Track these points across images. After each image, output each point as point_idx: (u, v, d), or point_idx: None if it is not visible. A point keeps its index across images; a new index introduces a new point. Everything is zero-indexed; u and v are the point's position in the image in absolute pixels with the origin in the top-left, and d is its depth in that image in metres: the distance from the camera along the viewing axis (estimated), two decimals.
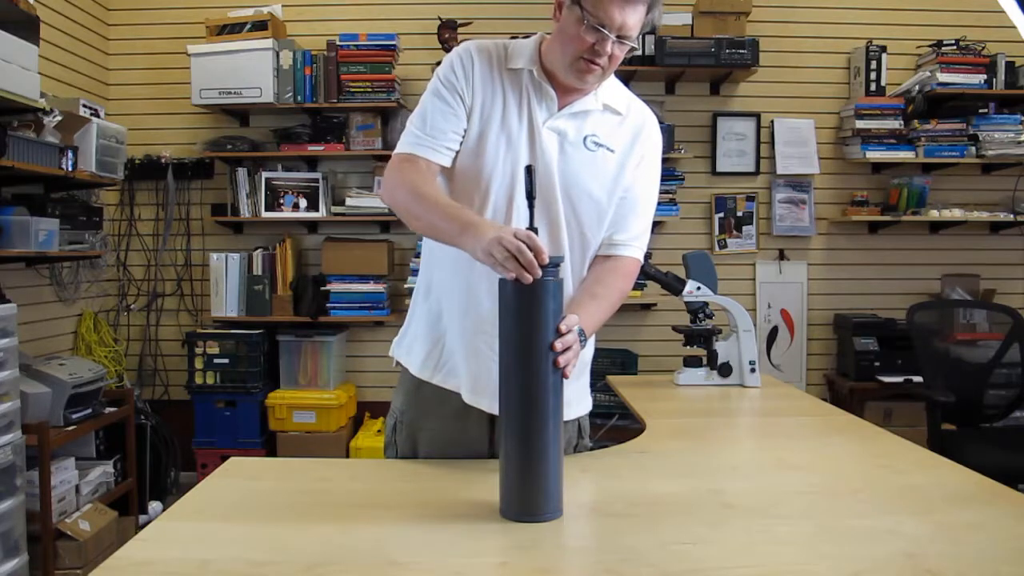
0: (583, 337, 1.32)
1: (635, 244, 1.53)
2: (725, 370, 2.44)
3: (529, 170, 1.27)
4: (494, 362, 1.41)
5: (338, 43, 3.72)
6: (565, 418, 1.54)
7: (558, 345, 1.20)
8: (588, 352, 1.53)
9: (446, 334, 1.50)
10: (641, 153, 1.52)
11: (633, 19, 1.35)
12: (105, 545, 2.89)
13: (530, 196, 1.26)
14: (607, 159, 1.49)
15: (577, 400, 1.58)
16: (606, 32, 1.34)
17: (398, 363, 1.60)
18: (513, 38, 1.57)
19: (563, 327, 1.21)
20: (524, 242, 1.18)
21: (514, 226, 1.41)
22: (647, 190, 1.55)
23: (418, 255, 3.73)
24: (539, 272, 1.18)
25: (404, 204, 1.42)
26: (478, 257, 1.25)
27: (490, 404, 1.44)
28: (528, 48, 1.48)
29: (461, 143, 1.45)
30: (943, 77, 3.72)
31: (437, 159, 1.44)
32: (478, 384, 1.46)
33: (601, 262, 1.52)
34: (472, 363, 1.47)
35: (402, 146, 1.46)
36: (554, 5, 1.42)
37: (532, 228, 1.24)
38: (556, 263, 1.22)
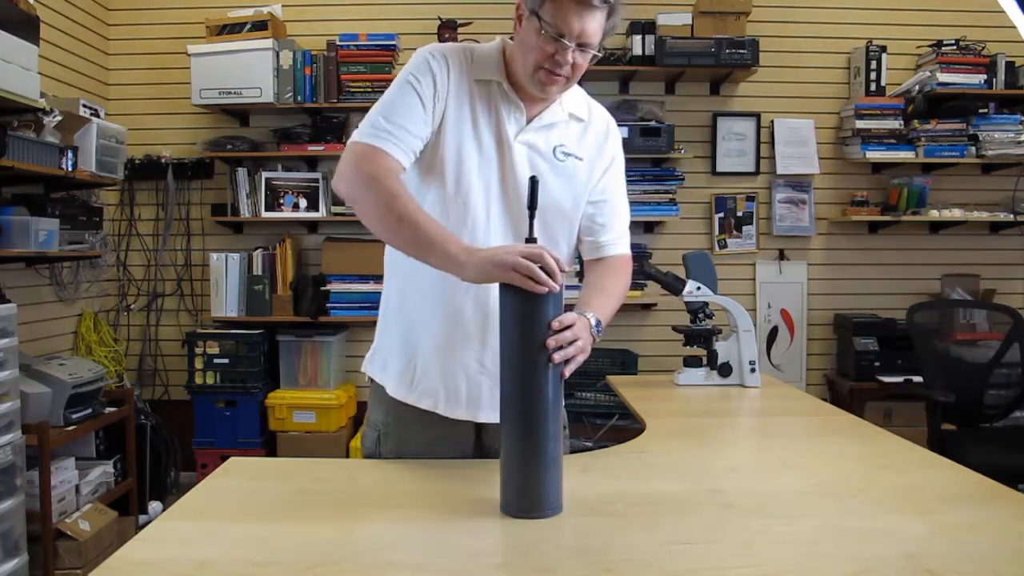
0: (600, 328, 1.36)
1: (621, 242, 1.58)
2: (725, 370, 2.44)
3: (533, 181, 1.26)
4: (481, 373, 1.43)
5: (338, 43, 3.72)
6: None
7: (551, 343, 1.20)
8: None
9: (420, 349, 1.49)
10: (611, 156, 1.56)
11: (592, 26, 1.34)
12: (105, 545, 2.89)
13: (531, 207, 1.26)
14: (576, 168, 1.50)
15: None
16: (565, 41, 1.33)
17: (371, 379, 1.58)
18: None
19: (555, 324, 1.22)
20: (548, 255, 1.19)
21: (491, 240, 1.42)
22: (622, 189, 1.60)
23: None
24: (561, 280, 1.20)
25: (376, 209, 1.33)
26: (489, 278, 1.23)
27: (471, 413, 1.47)
28: (493, 57, 1.46)
29: (431, 151, 1.42)
30: (943, 77, 3.72)
31: (403, 159, 1.36)
32: (459, 395, 1.47)
33: (595, 264, 1.56)
34: (450, 376, 1.47)
35: (364, 136, 1.36)
36: (514, 18, 1.41)
37: (531, 239, 1.25)
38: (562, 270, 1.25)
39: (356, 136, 1.39)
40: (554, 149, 1.48)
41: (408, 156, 1.38)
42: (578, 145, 1.51)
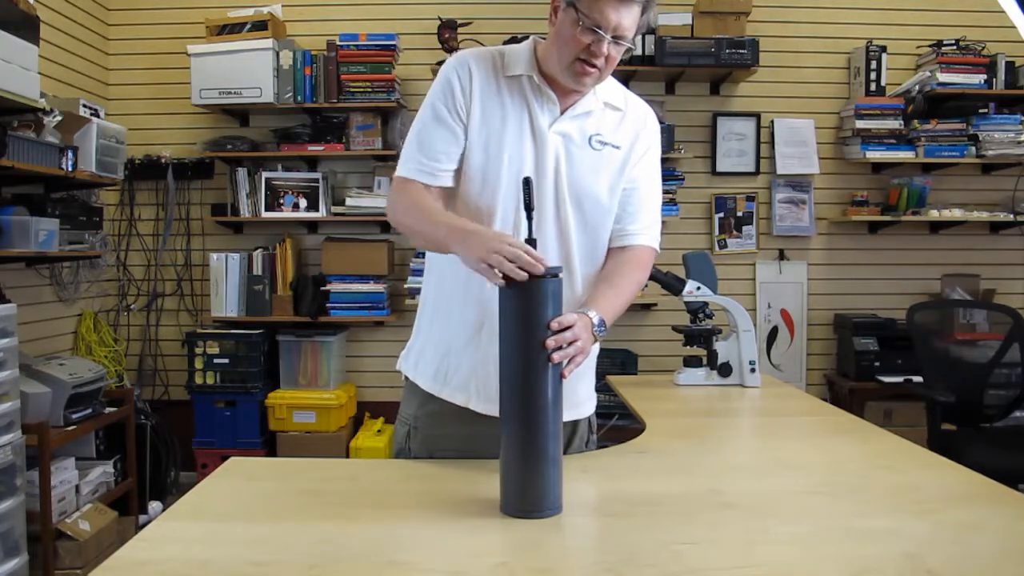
0: (603, 328, 1.35)
1: (648, 233, 1.55)
2: (725, 370, 2.44)
3: (527, 182, 1.27)
4: None
5: (338, 43, 3.72)
6: (578, 416, 1.57)
7: (550, 343, 1.20)
8: (594, 349, 1.53)
9: (452, 344, 1.50)
10: (646, 146, 1.55)
11: (628, 19, 1.37)
12: (105, 545, 2.89)
13: (528, 207, 1.27)
14: (613, 156, 1.50)
15: (588, 397, 1.60)
16: (602, 33, 1.35)
17: (406, 377, 1.60)
18: (512, 39, 1.58)
19: (555, 324, 1.22)
20: (521, 251, 1.20)
21: (523, 235, 1.42)
22: (655, 180, 1.58)
23: (418, 255, 3.75)
24: (524, 275, 1.19)
25: (408, 223, 1.45)
26: (472, 264, 1.26)
27: None
28: (524, 54, 1.48)
29: (462, 158, 1.46)
30: (943, 77, 3.72)
31: (435, 183, 1.45)
32: (488, 388, 1.45)
33: (616, 253, 1.53)
34: (480, 368, 1.47)
35: (403, 169, 1.46)
36: (550, 8, 1.43)
37: (531, 239, 1.25)
38: (555, 273, 1.24)
39: (397, 170, 1.48)
40: (590, 138, 1.49)
41: (438, 177, 1.45)
42: (615, 134, 1.51)
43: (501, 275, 1.21)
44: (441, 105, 1.45)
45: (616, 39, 1.37)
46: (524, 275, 1.19)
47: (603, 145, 1.49)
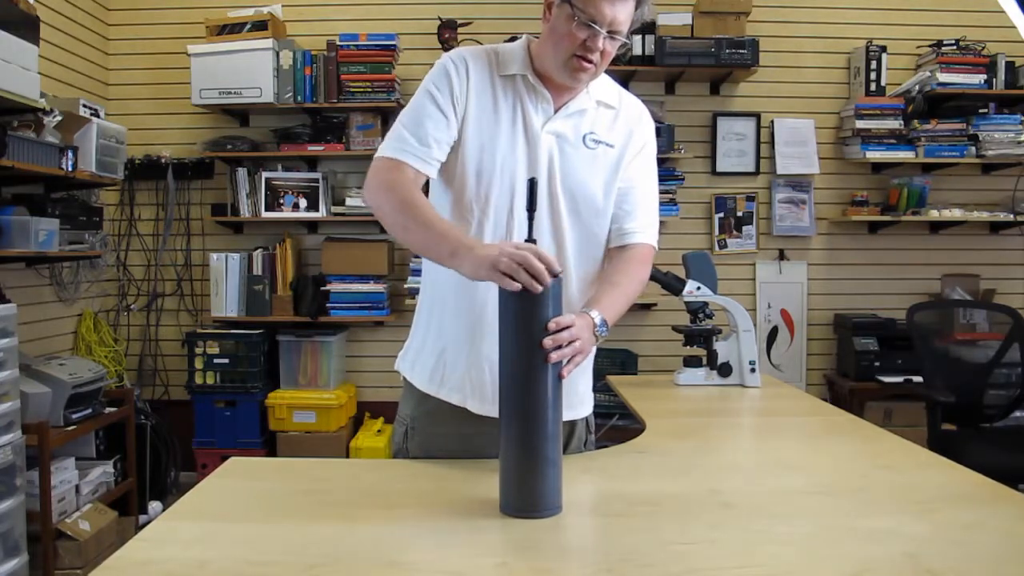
0: (605, 328, 1.34)
1: (646, 231, 1.54)
2: (725, 370, 2.44)
3: (532, 183, 1.27)
4: None
5: (338, 43, 3.72)
6: (577, 416, 1.57)
7: (548, 342, 1.20)
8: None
9: (448, 344, 1.50)
10: (641, 143, 1.54)
11: (623, 14, 1.36)
12: (105, 545, 2.89)
13: (530, 209, 1.27)
14: (607, 155, 1.50)
15: (586, 398, 1.60)
16: (597, 28, 1.35)
17: (404, 377, 1.60)
18: (512, 39, 1.57)
19: (552, 325, 1.21)
20: (531, 253, 1.19)
21: (515, 237, 1.42)
22: (651, 177, 1.57)
23: (418, 256, 3.75)
24: (548, 281, 1.19)
25: (392, 215, 1.39)
26: (480, 275, 1.24)
27: (499, 409, 1.45)
28: (518, 53, 1.48)
29: (450, 153, 1.44)
30: (943, 77, 3.72)
31: (424, 170, 1.41)
32: (484, 389, 1.46)
33: (617, 252, 1.53)
34: (475, 369, 1.46)
35: (389, 149, 1.42)
36: (543, 6, 1.43)
37: (531, 240, 1.24)
38: (556, 273, 1.23)
39: (380, 150, 1.44)
40: (584, 137, 1.48)
41: (429, 165, 1.42)
42: (609, 132, 1.50)
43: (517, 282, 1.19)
44: (437, 93, 1.43)
45: (611, 34, 1.37)
46: (539, 287, 1.18)
47: (597, 144, 1.49)
